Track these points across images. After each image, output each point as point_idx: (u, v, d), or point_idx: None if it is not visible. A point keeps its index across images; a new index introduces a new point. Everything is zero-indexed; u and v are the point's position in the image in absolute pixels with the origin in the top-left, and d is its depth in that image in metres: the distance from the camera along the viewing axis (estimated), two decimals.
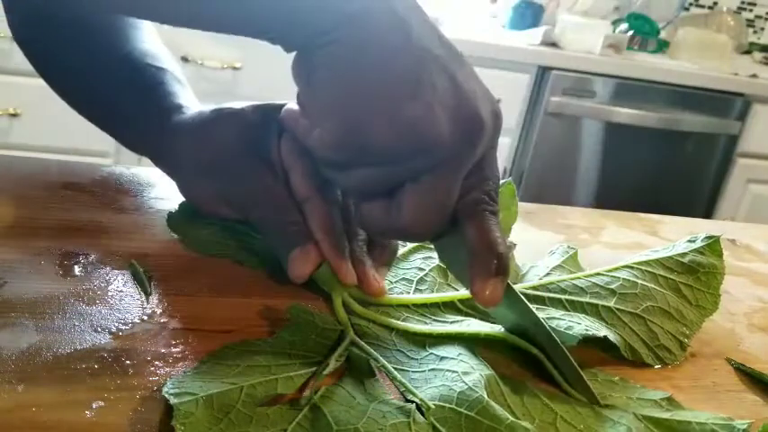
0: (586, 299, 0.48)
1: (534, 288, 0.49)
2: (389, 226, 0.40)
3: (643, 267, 0.50)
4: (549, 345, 0.42)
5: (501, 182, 0.55)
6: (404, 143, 0.37)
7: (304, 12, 0.37)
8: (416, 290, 0.49)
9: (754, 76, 2.27)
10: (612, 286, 0.48)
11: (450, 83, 0.37)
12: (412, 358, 0.42)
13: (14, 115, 1.65)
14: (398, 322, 0.45)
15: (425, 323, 0.45)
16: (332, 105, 0.38)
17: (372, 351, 0.41)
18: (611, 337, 0.45)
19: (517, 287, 0.48)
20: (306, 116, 0.41)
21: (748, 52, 2.64)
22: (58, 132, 1.70)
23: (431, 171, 0.38)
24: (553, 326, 0.44)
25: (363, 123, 0.37)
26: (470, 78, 0.39)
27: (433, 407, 0.36)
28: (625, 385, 0.43)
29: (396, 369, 0.40)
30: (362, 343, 0.42)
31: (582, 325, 0.44)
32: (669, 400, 0.41)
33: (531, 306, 0.43)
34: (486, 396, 0.37)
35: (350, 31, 0.37)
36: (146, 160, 0.58)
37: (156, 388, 0.37)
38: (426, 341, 0.43)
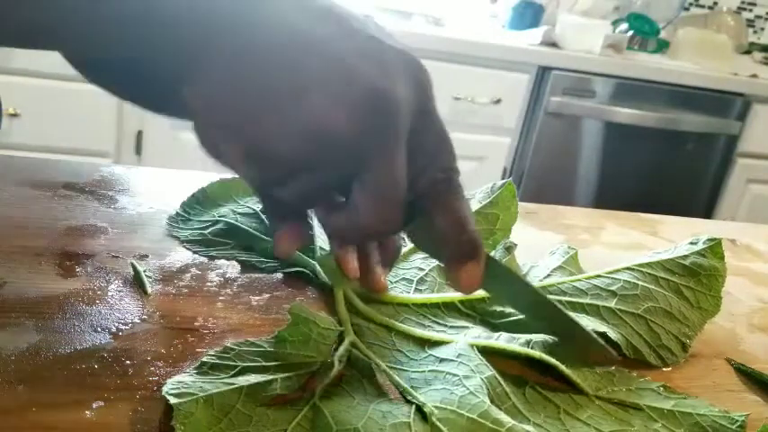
0: (587, 300, 0.48)
1: None
2: (354, 230, 0.37)
3: (644, 269, 0.50)
4: (551, 314, 0.42)
5: (501, 182, 0.56)
6: (308, 147, 0.33)
7: (168, 43, 0.33)
8: (416, 290, 0.49)
9: (754, 76, 2.27)
10: (613, 288, 0.48)
11: (338, 63, 0.33)
12: (411, 359, 0.42)
13: (14, 115, 1.65)
14: (398, 323, 0.45)
15: (425, 325, 0.45)
16: (220, 128, 0.34)
17: (372, 353, 0.41)
18: (612, 335, 0.45)
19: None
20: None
21: (748, 52, 2.64)
22: (57, 132, 1.70)
23: (362, 166, 0.34)
24: None
25: (256, 138, 0.34)
26: (367, 49, 0.34)
27: (435, 410, 0.37)
28: (623, 376, 0.43)
29: (395, 369, 0.40)
30: (362, 345, 0.42)
31: (582, 321, 0.45)
32: (666, 387, 0.42)
33: (523, 277, 0.43)
34: (487, 401, 0.37)
35: (214, 51, 0.33)
36: (145, 160, 0.57)
37: (156, 388, 0.37)
38: (425, 342, 0.43)
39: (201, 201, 0.55)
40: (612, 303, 0.47)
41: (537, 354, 0.42)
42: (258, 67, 0.33)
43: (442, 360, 0.41)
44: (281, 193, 0.36)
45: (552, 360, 0.42)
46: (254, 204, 0.55)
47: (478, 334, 0.44)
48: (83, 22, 0.32)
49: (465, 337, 0.43)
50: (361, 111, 0.33)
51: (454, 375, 0.39)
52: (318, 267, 0.49)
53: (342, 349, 0.41)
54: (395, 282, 0.49)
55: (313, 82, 0.33)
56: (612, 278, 0.49)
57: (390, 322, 0.45)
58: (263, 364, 0.38)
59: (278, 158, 0.34)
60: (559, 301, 0.48)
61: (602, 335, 0.44)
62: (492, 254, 0.51)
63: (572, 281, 0.49)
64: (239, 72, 0.33)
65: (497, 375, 0.40)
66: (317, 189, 0.36)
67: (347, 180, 0.35)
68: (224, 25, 0.33)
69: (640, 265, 0.50)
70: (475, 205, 0.55)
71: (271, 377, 0.37)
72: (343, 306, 0.45)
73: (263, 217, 0.53)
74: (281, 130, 0.33)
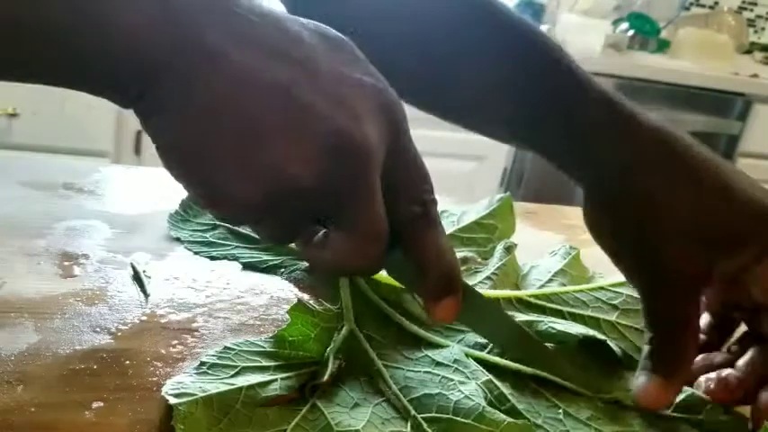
0: (588, 312, 0.48)
1: (536, 297, 0.49)
2: (335, 267, 0.35)
3: None
4: (531, 349, 0.41)
5: (499, 196, 0.56)
6: (271, 195, 0.31)
7: (105, 71, 0.30)
8: None
9: (754, 75, 2.27)
10: (615, 302, 0.48)
11: (296, 108, 0.31)
12: (407, 357, 0.42)
13: (14, 115, 1.65)
14: (397, 315, 0.45)
15: (423, 322, 0.45)
16: (179, 171, 0.32)
17: (369, 347, 0.41)
18: (612, 346, 0.45)
19: (519, 293, 0.48)
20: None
21: (749, 52, 2.64)
22: (57, 132, 1.70)
23: (339, 209, 0.32)
24: (551, 326, 0.44)
25: (217, 185, 0.31)
26: (329, 87, 0.32)
27: (431, 416, 0.37)
28: (625, 378, 0.43)
29: (391, 367, 0.40)
30: (360, 335, 0.42)
31: (581, 329, 0.45)
32: None
33: (501, 310, 0.43)
34: (483, 403, 0.37)
35: (164, 89, 0.30)
36: (145, 160, 0.57)
37: (155, 388, 0.37)
38: (422, 342, 0.43)
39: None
40: (614, 317, 0.47)
41: (530, 370, 0.42)
42: (210, 109, 0.30)
43: (438, 363, 0.41)
44: (255, 231, 0.35)
45: (547, 375, 0.42)
46: None
47: (473, 341, 0.44)
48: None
49: (460, 345, 0.43)
50: (326, 157, 0.31)
51: (450, 380, 0.39)
52: None
53: (340, 338, 0.41)
54: None
55: (271, 128, 0.30)
56: (615, 292, 0.49)
57: (390, 311, 0.45)
58: (263, 364, 0.38)
59: (240, 205, 0.32)
60: (559, 311, 0.47)
61: (601, 343, 0.44)
62: (491, 257, 0.51)
63: (574, 291, 0.49)
64: (188, 114, 0.30)
65: (494, 379, 0.40)
66: (289, 230, 0.34)
67: (319, 218, 0.34)
68: (177, 63, 0.30)
69: None
70: (472, 216, 0.55)
71: (270, 377, 0.37)
72: (348, 290, 0.45)
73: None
74: (242, 179, 0.31)
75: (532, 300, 0.48)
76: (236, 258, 0.50)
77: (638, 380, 0.39)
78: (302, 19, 0.33)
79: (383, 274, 0.46)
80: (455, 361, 0.41)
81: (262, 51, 0.31)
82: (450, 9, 0.47)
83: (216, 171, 0.31)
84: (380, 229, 0.33)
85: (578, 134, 0.43)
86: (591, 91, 0.43)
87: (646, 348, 0.40)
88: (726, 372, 0.40)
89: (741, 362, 0.41)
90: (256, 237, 0.52)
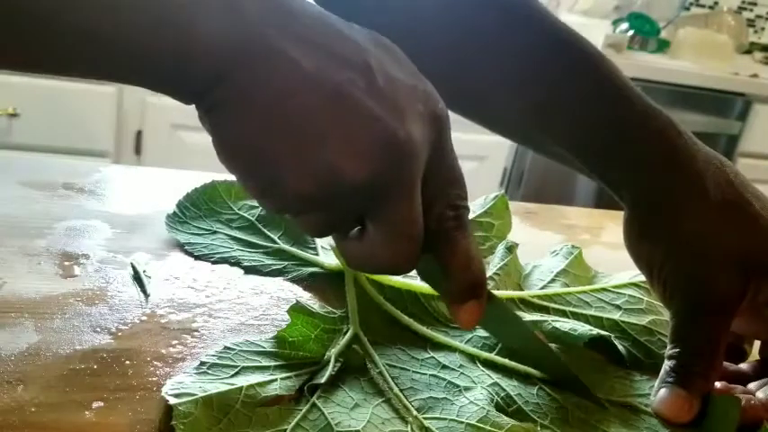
0: (591, 312, 0.48)
1: (539, 297, 0.49)
2: (369, 263, 0.37)
3: (649, 286, 0.50)
4: (547, 361, 0.42)
5: (494, 194, 0.56)
6: (325, 190, 0.33)
7: (173, 69, 0.32)
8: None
9: (754, 75, 2.26)
10: (618, 302, 0.48)
11: (355, 109, 0.32)
12: (413, 357, 0.42)
13: (14, 115, 1.65)
14: (404, 316, 0.45)
15: (428, 323, 0.45)
16: (237, 164, 0.34)
17: (373, 351, 0.41)
18: (616, 343, 0.45)
19: (522, 294, 0.48)
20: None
21: (749, 52, 2.64)
22: (58, 132, 1.70)
23: (380, 206, 0.34)
24: (557, 327, 0.44)
25: (274, 179, 0.33)
26: (385, 90, 0.33)
27: (434, 416, 0.37)
28: (634, 381, 0.43)
29: (396, 367, 0.40)
30: (364, 338, 0.42)
31: (586, 327, 0.45)
32: None
33: (521, 319, 0.43)
34: (487, 407, 0.37)
35: (230, 87, 0.32)
36: (145, 160, 0.57)
37: (155, 388, 0.37)
38: (428, 344, 0.43)
39: (196, 202, 0.55)
40: (617, 316, 0.47)
41: (538, 373, 0.42)
42: (275, 109, 0.32)
43: (443, 366, 0.41)
44: (297, 224, 0.36)
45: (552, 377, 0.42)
46: (250, 212, 0.54)
47: (481, 342, 0.44)
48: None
49: (467, 345, 0.43)
50: (379, 157, 0.33)
51: (455, 386, 0.39)
52: (330, 255, 0.49)
53: (344, 341, 0.41)
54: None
55: (331, 127, 0.32)
56: (618, 293, 0.49)
57: (396, 312, 0.45)
58: (263, 364, 0.38)
59: (293, 198, 0.33)
60: (563, 311, 0.48)
61: (606, 339, 0.44)
62: (493, 255, 0.51)
63: (577, 292, 0.49)
64: (252, 110, 0.32)
65: (500, 381, 0.40)
66: (331, 224, 0.36)
67: (362, 214, 0.35)
68: (242, 62, 0.31)
69: (646, 282, 0.50)
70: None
71: (270, 377, 0.37)
72: (354, 293, 0.45)
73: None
74: (300, 174, 0.33)
75: (536, 300, 0.48)
76: (238, 262, 0.50)
77: (661, 391, 0.40)
78: (354, 24, 0.35)
79: (388, 278, 0.46)
80: (460, 366, 0.41)
81: (322, 53, 0.32)
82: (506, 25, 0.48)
83: (274, 166, 0.32)
84: (417, 229, 0.35)
85: (631, 162, 0.44)
86: (649, 119, 0.44)
87: (670, 362, 0.41)
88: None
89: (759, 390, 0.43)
90: (256, 242, 0.52)
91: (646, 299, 0.49)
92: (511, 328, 0.42)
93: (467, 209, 0.37)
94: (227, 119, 0.33)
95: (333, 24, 0.34)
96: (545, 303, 0.48)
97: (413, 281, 0.47)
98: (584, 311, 0.48)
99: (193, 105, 0.33)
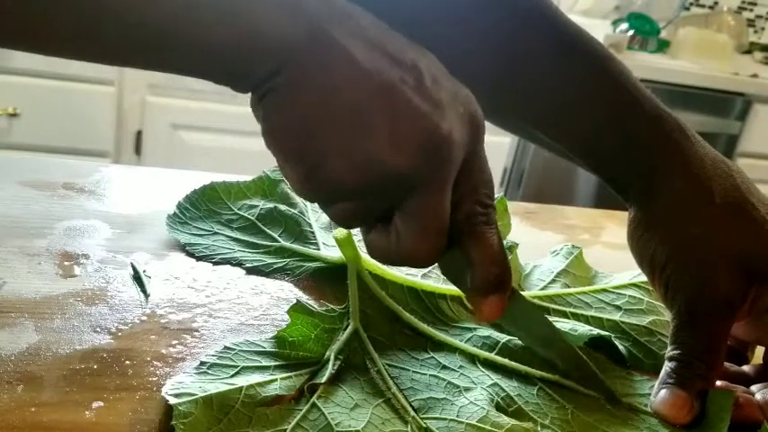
0: (591, 312, 0.48)
1: (540, 298, 0.49)
2: (393, 254, 0.38)
3: (650, 287, 0.50)
4: (570, 359, 0.42)
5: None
6: (365, 180, 0.35)
7: (235, 60, 0.34)
8: (425, 275, 0.48)
9: (754, 75, 2.26)
10: (618, 303, 0.48)
11: (404, 105, 0.34)
12: (413, 357, 0.42)
13: (14, 115, 1.65)
14: (405, 312, 0.45)
15: (429, 321, 0.45)
16: (284, 149, 0.36)
17: (373, 350, 0.41)
18: (616, 343, 0.45)
19: (523, 294, 0.48)
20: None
21: (749, 52, 2.64)
22: (57, 132, 1.70)
23: (411, 198, 0.36)
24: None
25: (319, 166, 0.35)
26: (431, 91, 0.35)
27: (434, 416, 0.37)
28: (634, 380, 0.43)
29: (396, 367, 0.40)
30: (364, 335, 0.42)
31: (586, 327, 0.45)
32: None
33: (541, 313, 0.43)
34: (487, 408, 0.37)
35: (288, 75, 0.34)
36: (145, 160, 0.57)
37: (155, 388, 0.37)
38: (428, 343, 0.43)
39: (195, 203, 0.55)
40: (617, 317, 0.47)
41: (537, 372, 0.42)
42: (329, 98, 0.34)
43: (443, 367, 0.41)
44: (327, 212, 0.38)
45: (559, 379, 0.42)
46: (249, 212, 0.54)
47: (481, 342, 0.44)
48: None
49: (467, 344, 0.43)
50: (420, 152, 0.34)
51: (455, 386, 0.39)
52: (332, 250, 0.48)
53: (344, 337, 0.41)
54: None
55: (379, 120, 0.34)
56: (618, 293, 0.49)
57: (398, 308, 0.45)
58: (263, 364, 0.38)
59: (334, 186, 0.35)
60: (563, 312, 0.48)
61: (607, 339, 0.44)
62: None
63: (577, 293, 0.49)
64: (306, 100, 0.34)
65: (500, 382, 0.40)
66: (362, 214, 0.37)
67: (392, 206, 0.36)
68: (304, 53, 0.33)
69: (647, 283, 0.50)
70: None
71: (270, 377, 0.37)
72: (356, 287, 0.45)
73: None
74: (344, 162, 0.34)
75: (536, 300, 0.48)
76: (239, 263, 0.50)
77: (662, 392, 0.40)
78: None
79: (390, 271, 0.46)
80: (461, 367, 0.41)
81: (377, 51, 0.35)
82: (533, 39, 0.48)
83: (320, 152, 0.34)
84: (444, 224, 0.36)
85: (638, 163, 0.45)
86: (659, 121, 0.45)
87: (670, 363, 0.41)
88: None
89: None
90: (257, 241, 0.52)
91: (646, 299, 0.49)
92: (533, 326, 0.42)
93: (494, 208, 0.38)
94: (281, 104, 0.34)
95: (386, 27, 0.36)
96: (545, 304, 0.48)
97: (415, 278, 0.47)
98: (584, 312, 0.48)
99: (243, 94, 0.35)
